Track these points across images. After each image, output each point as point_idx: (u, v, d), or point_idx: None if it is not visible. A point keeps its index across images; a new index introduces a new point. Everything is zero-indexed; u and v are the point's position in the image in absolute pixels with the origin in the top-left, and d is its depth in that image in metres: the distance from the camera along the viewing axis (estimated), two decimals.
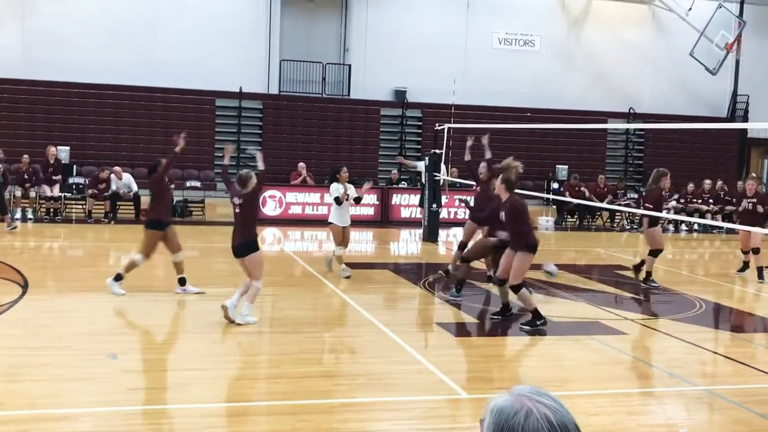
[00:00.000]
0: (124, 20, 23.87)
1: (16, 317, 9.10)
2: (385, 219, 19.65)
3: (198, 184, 21.54)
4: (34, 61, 23.15)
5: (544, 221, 20.86)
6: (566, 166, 25.82)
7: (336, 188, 12.16)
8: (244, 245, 8.91)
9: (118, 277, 10.06)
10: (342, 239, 12.16)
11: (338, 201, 12.09)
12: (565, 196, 20.48)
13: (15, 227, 15.68)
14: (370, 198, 19.84)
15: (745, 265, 13.80)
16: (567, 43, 27.87)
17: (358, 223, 18.93)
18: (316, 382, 7.15)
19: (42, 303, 9.83)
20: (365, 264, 13.58)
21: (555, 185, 25.10)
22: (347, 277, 11.87)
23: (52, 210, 17.75)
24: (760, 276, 13.29)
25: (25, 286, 10.42)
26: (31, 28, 23.36)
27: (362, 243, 17.66)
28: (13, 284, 10.51)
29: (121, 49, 23.71)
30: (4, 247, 14.18)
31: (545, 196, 23.62)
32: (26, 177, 17.76)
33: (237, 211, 8.99)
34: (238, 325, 8.78)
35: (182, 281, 10.43)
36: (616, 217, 21.62)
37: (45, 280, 11.21)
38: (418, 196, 18.24)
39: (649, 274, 12.41)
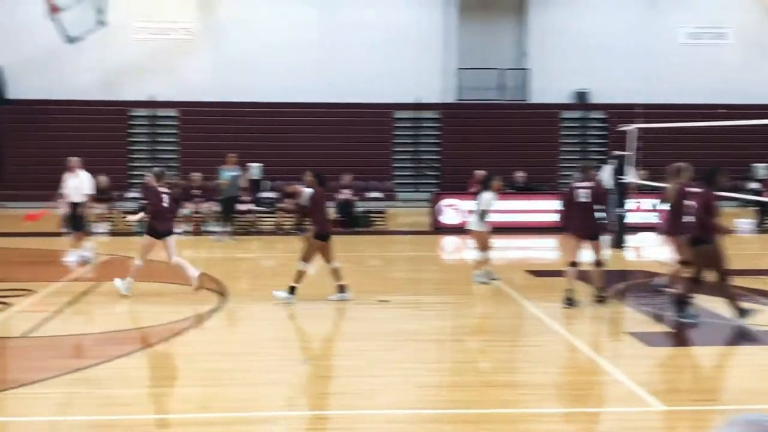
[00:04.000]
0: (305, 41, 24.94)
1: (217, 324, 9.69)
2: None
3: (379, 194, 22.01)
4: (226, 85, 24.70)
5: (743, 224, 19.48)
6: (766, 164, 24.04)
7: (487, 199, 11.89)
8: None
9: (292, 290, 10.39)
10: (485, 245, 12.02)
11: (483, 215, 11.90)
12: (764, 195, 19.04)
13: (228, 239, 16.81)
14: (552, 204, 19.37)
15: None
16: (763, 32, 25.99)
17: (542, 230, 18.59)
18: (500, 391, 7.06)
19: (240, 311, 10.41)
20: (550, 272, 13.28)
21: (753, 185, 23.40)
22: (483, 283, 11.77)
23: (247, 223, 18.79)
24: None
25: (224, 296, 11.07)
26: (223, 53, 24.95)
27: (546, 250, 17.31)
28: (213, 294, 11.20)
29: (304, 69, 24.78)
30: (206, 259, 15.16)
31: (743, 196, 22.04)
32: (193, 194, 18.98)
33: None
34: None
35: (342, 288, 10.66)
36: None
37: (242, 290, 11.85)
38: None
39: None
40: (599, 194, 10.51)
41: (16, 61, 24.36)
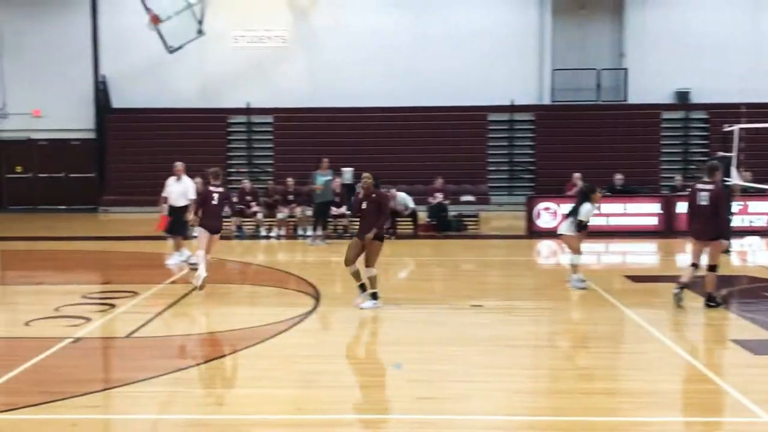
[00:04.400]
0: (398, 45, 25.05)
1: (311, 327, 9.80)
2: (669, 229, 18.50)
3: (472, 198, 21.84)
4: (319, 90, 25.06)
5: None
6: None
7: (587, 210, 11.68)
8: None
9: (375, 296, 10.51)
10: (577, 249, 11.84)
11: (581, 226, 11.70)
12: None
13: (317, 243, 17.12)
14: (653, 207, 18.84)
15: None
16: None
17: (640, 234, 18.07)
18: (599, 399, 6.88)
19: (333, 314, 10.49)
20: (649, 277, 12.89)
21: None
22: (580, 288, 11.56)
23: (341, 227, 18.95)
24: None
25: (317, 298, 11.20)
26: (317, 59, 25.33)
27: (645, 255, 16.80)
28: (307, 296, 11.35)
29: (397, 73, 24.90)
30: (299, 263, 15.38)
31: None
32: (289, 198, 19.23)
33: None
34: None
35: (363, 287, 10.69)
36: None
37: (335, 293, 11.95)
38: None
39: None
40: (720, 197, 10.22)
41: (119, 71, 25.40)
